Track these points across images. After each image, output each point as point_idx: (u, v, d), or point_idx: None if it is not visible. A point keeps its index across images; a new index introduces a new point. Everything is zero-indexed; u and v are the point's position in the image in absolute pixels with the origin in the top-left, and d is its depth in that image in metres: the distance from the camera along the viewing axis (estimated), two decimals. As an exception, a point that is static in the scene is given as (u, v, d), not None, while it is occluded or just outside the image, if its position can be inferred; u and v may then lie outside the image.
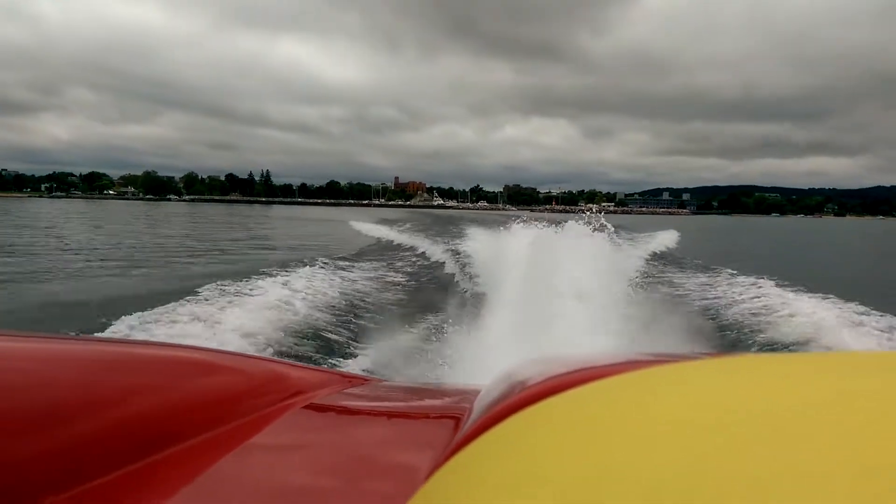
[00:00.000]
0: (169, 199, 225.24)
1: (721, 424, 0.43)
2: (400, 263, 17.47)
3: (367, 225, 35.69)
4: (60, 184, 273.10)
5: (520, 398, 0.65)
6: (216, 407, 1.13)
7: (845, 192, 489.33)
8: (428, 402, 1.61)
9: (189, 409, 1.09)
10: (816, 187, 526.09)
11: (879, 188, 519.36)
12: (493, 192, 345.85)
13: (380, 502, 0.85)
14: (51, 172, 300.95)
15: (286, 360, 1.33)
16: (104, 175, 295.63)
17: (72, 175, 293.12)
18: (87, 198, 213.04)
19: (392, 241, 24.68)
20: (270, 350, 7.27)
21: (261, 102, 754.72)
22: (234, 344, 7.31)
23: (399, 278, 14.39)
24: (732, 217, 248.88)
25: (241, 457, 1.01)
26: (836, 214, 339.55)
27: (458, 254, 16.07)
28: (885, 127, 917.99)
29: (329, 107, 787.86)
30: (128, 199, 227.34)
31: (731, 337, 9.28)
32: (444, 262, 16.02)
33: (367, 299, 11.33)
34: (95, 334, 6.55)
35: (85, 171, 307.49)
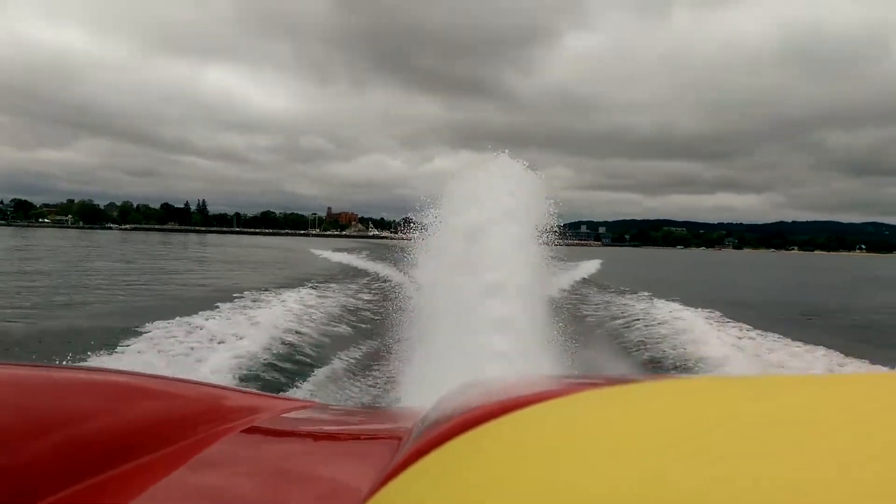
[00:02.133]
0: (110, 228, 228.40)
1: (658, 446, 0.44)
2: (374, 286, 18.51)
3: (328, 252, 39.31)
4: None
5: (458, 422, 0.65)
6: (157, 430, 1.13)
7: (751, 226, 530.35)
8: (368, 425, 1.63)
9: (130, 433, 1.09)
10: (725, 221, 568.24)
11: (782, 223, 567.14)
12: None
13: None
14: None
15: (229, 385, 1.48)
16: (33, 204, 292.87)
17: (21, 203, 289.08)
18: (24, 226, 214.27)
19: (358, 268, 26.63)
20: (229, 375, 7.40)
21: (186, 129, 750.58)
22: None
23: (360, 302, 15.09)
24: (641, 249, 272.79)
25: (180, 479, 1.01)
26: (735, 247, 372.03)
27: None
28: (787, 167, 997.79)
29: (257, 135, 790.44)
30: (64, 227, 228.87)
31: (624, 337, 11.83)
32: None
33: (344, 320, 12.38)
34: (38, 361, 6.70)
35: None
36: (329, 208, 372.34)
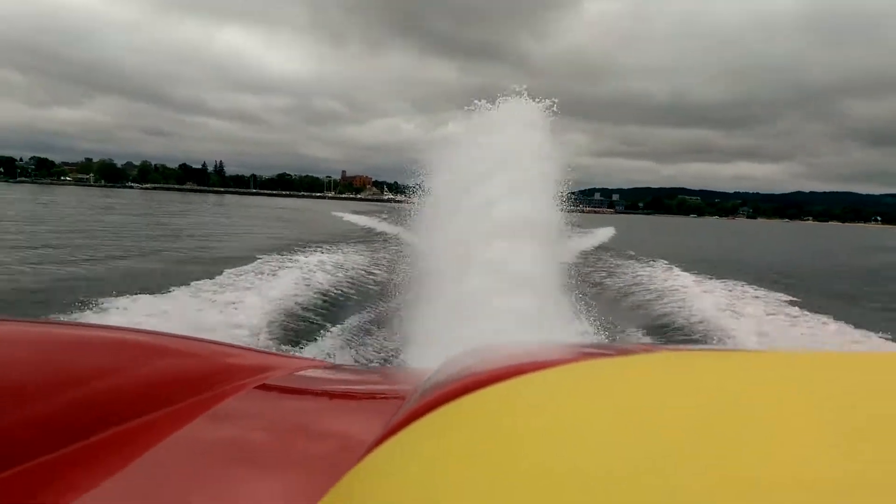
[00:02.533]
0: (131, 187, 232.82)
1: (662, 419, 0.45)
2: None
3: (349, 215, 40.05)
4: (7, 168, 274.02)
5: (456, 386, 0.68)
6: (169, 386, 1.18)
7: (768, 196, 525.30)
8: (375, 384, 1.69)
9: (142, 389, 1.14)
10: (742, 191, 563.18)
11: (799, 193, 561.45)
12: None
13: (316, 477, 0.89)
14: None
15: (242, 344, 1.69)
16: (54, 162, 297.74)
17: (19, 160, 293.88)
18: (48, 184, 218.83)
19: (377, 230, 27.36)
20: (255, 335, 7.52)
21: (200, 89, 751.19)
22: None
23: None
24: (654, 217, 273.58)
25: (190, 433, 1.05)
26: (749, 217, 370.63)
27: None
28: (807, 136, 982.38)
29: (271, 97, 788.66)
30: (87, 185, 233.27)
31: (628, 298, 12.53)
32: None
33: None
34: (52, 317, 6.67)
35: (11, 154, 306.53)
36: (343, 171, 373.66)
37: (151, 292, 9.13)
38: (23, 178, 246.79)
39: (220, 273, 11.38)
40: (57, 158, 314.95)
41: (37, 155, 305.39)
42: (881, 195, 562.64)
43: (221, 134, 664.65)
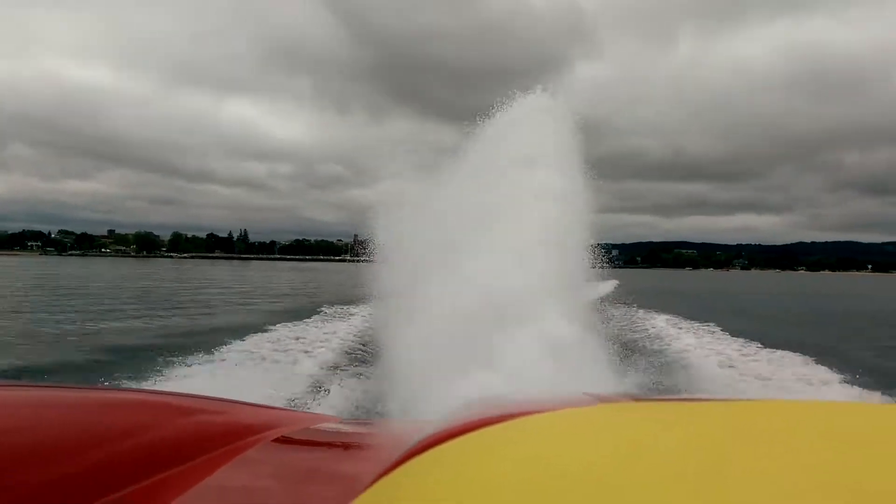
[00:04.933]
0: (170, 256, 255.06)
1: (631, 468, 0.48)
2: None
3: None
4: (46, 242, 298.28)
5: (449, 431, 0.74)
6: (190, 442, 1.26)
7: (769, 247, 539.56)
8: (379, 436, 1.77)
9: (164, 446, 1.23)
10: (743, 242, 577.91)
11: (800, 244, 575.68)
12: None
13: None
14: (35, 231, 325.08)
15: (251, 402, 1.76)
16: (99, 236, 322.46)
17: (48, 234, 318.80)
18: (95, 255, 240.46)
19: None
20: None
21: (207, 159, 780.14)
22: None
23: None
24: (650, 270, 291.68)
25: (214, 483, 1.15)
26: (743, 268, 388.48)
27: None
28: (804, 188, 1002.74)
29: (276, 163, 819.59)
30: (126, 256, 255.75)
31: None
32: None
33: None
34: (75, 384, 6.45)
35: (16, 226, 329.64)
36: (355, 235, 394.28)
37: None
38: (73, 252, 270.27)
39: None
40: (56, 229, 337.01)
41: (35, 227, 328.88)
42: (882, 243, 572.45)
43: (228, 200, 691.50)
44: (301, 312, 19.59)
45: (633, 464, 0.49)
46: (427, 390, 5.93)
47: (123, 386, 7.75)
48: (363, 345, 12.91)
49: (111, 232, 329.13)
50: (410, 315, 7.84)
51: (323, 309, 20.74)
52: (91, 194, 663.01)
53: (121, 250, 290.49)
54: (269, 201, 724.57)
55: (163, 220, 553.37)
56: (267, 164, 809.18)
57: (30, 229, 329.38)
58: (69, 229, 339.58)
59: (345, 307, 20.72)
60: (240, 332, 14.72)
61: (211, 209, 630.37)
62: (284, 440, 1.46)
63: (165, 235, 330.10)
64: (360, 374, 10.11)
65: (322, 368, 10.46)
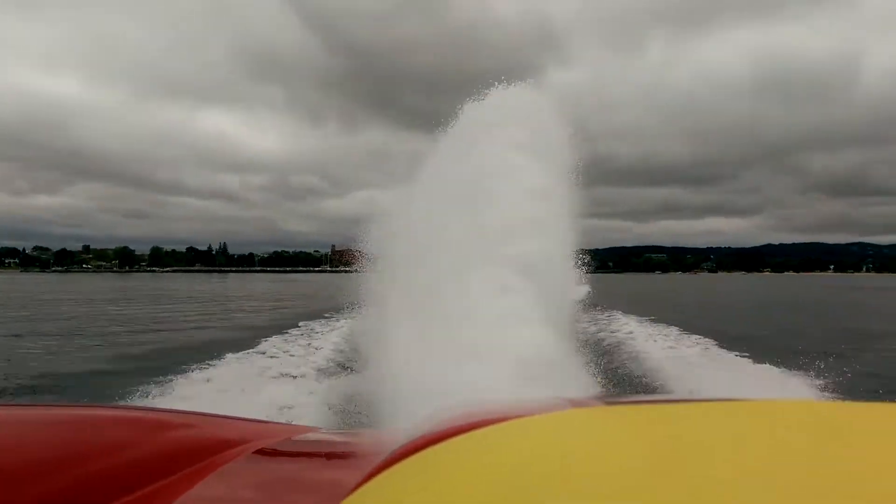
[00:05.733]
0: (153, 271, 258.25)
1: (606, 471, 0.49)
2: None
3: None
4: (28, 260, 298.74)
5: (426, 438, 0.76)
6: (173, 456, 1.28)
7: (738, 249, 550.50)
8: (359, 445, 1.77)
9: (148, 459, 1.24)
10: (714, 246, 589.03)
11: (769, 245, 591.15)
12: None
13: None
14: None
15: (231, 415, 1.81)
16: (77, 251, 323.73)
17: (22, 250, 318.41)
18: (78, 272, 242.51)
19: None
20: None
21: (179, 171, 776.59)
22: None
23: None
24: (620, 275, 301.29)
25: (197, 494, 1.17)
26: (711, 271, 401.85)
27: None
28: (772, 190, 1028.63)
29: (251, 175, 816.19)
30: (105, 271, 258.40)
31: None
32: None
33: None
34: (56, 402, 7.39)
35: None
36: (333, 245, 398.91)
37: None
38: (56, 268, 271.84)
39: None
40: (29, 245, 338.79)
41: (3, 243, 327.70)
42: (847, 244, 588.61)
43: (201, 213, 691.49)
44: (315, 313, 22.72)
45: (606, 467, 0.50)
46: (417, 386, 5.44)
47: (98, 403, 7.76)
48: (352, 351, 13.23)
49: (86, 247, 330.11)
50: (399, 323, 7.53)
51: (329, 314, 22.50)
52: (60, 209, 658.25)
53: (101, 266, 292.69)
54: (244, 213, 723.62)
55: (136, 234, 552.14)
56: (241, 176, 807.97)
57: (4, 246, 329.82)
58: (39, 244, 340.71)
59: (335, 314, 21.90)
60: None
61: (184, 222, 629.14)
62: (265, 452, 1.47)
63: (141, 249, 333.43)
64: (349, 381, 10.55)
65: (314, 376, 11.33)
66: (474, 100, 9.76)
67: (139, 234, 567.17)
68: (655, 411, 0.74)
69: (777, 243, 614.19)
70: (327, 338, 16.42)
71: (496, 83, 9.75)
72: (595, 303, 22.69)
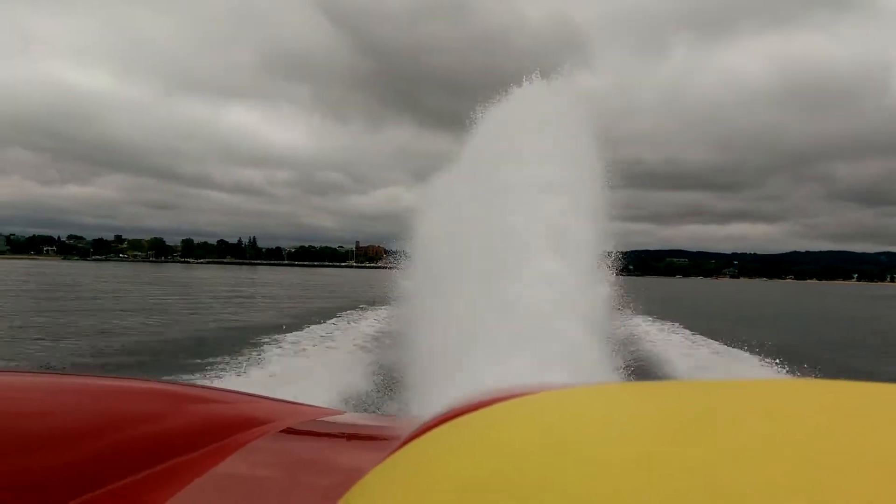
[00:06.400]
0: (188, 262, 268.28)
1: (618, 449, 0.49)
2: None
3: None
4: (66, 248, 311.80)
5: (437, 419, 0.79)
6: (196, 432, 1.30)
7: (764, 256, 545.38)
8: (383, 428, 1.84)
9: (171, 435, 1.26)
10: (738, 251, 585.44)
11: (794, 253, 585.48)
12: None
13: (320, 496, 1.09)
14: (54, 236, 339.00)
15: (260, 393, 1.81)
16: (112, 241, 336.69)
17: (57, 238, 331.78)
18: (118, 260, 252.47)
19: None
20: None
21: (205, 165, 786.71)
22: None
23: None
24: (641, 278, 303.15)
25: (224, 469, 1.20)
26: (732, 277, 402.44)
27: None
28: (798, 198, 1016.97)
29: (275, 170, 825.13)
30: (141, 261, 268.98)
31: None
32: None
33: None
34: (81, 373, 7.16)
35: (19, 230, 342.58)
36: (357, 242, 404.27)
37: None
38: (96, 257, 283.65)
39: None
40: (61, 233, 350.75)
41: (31, 231, 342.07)
42: (876, 253, 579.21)
43: (226, 206, 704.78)
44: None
45: (620, 442, 0.50)
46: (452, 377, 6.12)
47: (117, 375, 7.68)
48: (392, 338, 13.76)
49: (119, 237, 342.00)
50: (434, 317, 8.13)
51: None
52: (88, 199, 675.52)
53: (137, 255, 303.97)
54: (268, 207, 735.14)
55: (162, 225, 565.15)
56: (266, 171, 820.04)
57: (40, 234, 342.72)
58: (68, 233, 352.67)
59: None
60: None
61: (209, 214, 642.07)
62: (291, 431, 1.51)
63: (169, 240, 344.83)
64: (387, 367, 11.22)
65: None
66: (501, 100, 10.14)
67: (165, 225, 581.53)
68: (676, 388, 0.73)
69: (803, 251, 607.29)
70: (368, 325, 19.17)
71: (525, 78, 9.98)
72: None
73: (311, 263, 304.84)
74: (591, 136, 9.45)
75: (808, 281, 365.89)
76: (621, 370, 8.31)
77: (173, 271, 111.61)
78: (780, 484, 0.38)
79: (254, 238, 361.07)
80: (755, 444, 0.45)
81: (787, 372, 13.43)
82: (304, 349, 14.92)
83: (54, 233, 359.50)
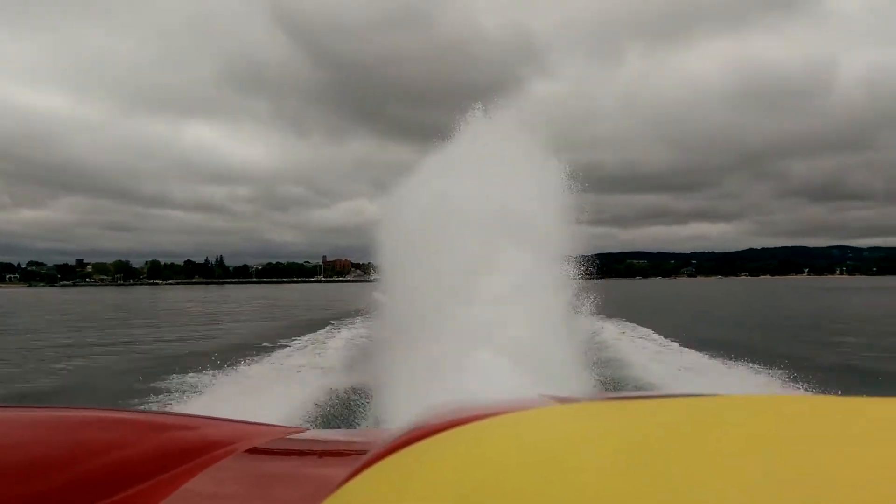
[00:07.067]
0: (156, 284, 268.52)
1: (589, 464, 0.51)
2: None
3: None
4: (29, 275, 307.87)
5: (412, 435, 0.79)
6: (163, 456, 1.29)
7: (721, 254, 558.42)
8: (349, 444, 1.84)
9: (141, 459, 1.26)
10: (697, 251, 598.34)
11: (752, 250, 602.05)
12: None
13: None
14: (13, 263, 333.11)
15: (223, 416, 1.78)
16: (74, 266, 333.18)
17: (17, 265, 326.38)
18: (85, 285, 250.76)
19: None
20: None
21: (164, 184, 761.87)
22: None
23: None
24: (601, 281, 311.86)
25: (189, 491, 1.19)
26: (690, 276, 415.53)
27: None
28: (754, 196, 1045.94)
29: (237, 187, 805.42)
30: (106, 284, 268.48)
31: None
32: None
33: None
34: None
35: None
36: (324, 256, 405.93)
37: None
38: (64, 283, 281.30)
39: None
40: (16, 259, 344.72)
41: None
42: (828, 247, 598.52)
43: (186, 225, 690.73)
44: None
45: (586, 462, 0.51)
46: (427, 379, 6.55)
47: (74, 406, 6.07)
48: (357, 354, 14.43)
49: (80, 262, 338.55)
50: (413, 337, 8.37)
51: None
52: (43, 223, 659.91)
53: (103, 279, 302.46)
54: (230, 224, 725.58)
55: (120, 247, 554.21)
56: (227, 188, 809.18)
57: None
58: (21, 259, 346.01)
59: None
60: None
61: (169, 234, 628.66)
62: (256, 451, 1.50)
63: (133, 262, 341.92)
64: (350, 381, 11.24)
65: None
66: (460, 122, 11.18)
67: (125, 246, 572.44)
68: (638, 407, 0.74)
69: (759, 247, 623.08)
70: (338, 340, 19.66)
71: (478, 107, 11.09)
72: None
73: (279, 280, 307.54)
74: (544, 156, 10.37)
75: (762, 277, 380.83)
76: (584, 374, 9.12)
77: (152, 293, 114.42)
78: (753, 498, 0.39)
79: (221, 257, 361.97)
80: (726, 460, 0.46)
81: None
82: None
83: (7, 259, 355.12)
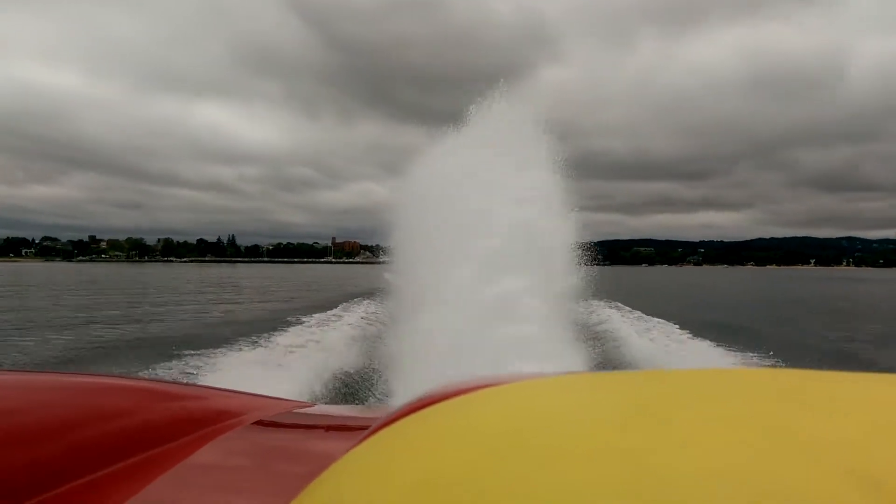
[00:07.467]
0: (170, 261, 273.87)
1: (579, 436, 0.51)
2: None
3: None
4: (46, 250, 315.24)
5: (408, 407, 0.80)
6: (158, 428, 1.29)
7: (729, 243, 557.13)
8: (356, 419, 1.85)
9: (148, 426, 1.27)
10: (706, 239, 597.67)
11: (759, 240, 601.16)
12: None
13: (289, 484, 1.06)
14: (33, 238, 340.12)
15: (231, 388, 1.82)
16: (87, 242, 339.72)
17: (31, 240, 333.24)
18: (102, 260, 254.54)
19: None
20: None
21: (175, 162, 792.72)
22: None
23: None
24: (609, 268, 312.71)
25: (194, 461, 1.20)
26: (696, 264, 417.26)
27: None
28: (764, 185, 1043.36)
29: (246, 166, 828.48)
30: (120, 261, 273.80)
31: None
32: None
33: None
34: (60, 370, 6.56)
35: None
36: (333, 238, 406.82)
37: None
38: (81, 258, 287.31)
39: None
40: (28, 234, 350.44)
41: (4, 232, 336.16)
42: (838, 238, 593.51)
43: (195, 204, 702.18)
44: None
45: (579, 431, 0.52)
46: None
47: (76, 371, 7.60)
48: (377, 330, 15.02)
49: (92, 238, 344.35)
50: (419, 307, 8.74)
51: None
52: (55, 199, 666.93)
53: (117, 255, 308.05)
54: (240, 204, 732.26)
55: (131, 224, 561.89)
56: (237, 168, 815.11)
57: (13, 236, 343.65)
58: (32, 234, 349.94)
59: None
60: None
61: (179, 212, 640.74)
62: (263, 423, 1.52)
63: (147, 240, 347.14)
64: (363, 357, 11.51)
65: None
66: (470, 107, 11.35)
67: (135, 224, 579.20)
68: (631, 378, 0.75)
69: (768, 237, 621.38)
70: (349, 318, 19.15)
71: (484, 95, 11.15)
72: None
73: (290, 260, 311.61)
74: (547, 142, 10.51)
75: (768, 267, 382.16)
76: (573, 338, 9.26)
77: (175, 270, 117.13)
78: (724, 471, 0.40)
79: (233, 236, 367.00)
80: (702, 431, 0.47)
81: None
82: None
83: (19, 234, 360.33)
